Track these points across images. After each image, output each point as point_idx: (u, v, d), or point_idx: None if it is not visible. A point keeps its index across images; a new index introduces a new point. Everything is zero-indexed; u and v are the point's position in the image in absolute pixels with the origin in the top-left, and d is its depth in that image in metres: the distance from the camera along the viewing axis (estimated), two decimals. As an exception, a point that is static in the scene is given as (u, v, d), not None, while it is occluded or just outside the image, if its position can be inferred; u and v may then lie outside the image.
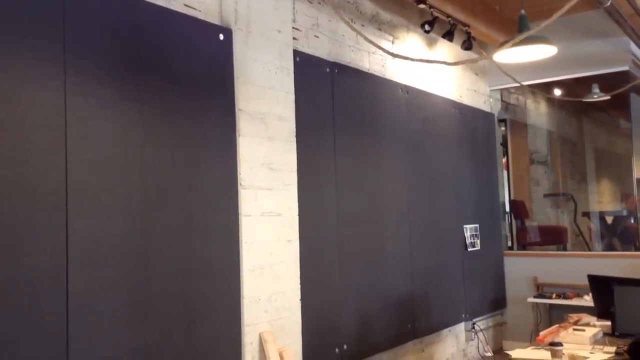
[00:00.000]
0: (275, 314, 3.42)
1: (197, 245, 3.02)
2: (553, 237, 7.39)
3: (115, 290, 2.63)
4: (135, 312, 2.70)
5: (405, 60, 4.99)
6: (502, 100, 7.07)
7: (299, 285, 3.62)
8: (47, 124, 2.44)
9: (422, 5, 4.86)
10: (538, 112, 8.50)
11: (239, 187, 3.27)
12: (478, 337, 5.92)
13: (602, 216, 8.20)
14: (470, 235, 5.77)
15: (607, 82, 6.40)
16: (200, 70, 3.13)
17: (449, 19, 5.13)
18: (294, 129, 3.67)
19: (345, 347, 4.04)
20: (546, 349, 3.44)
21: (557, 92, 7.31)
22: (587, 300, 5.40)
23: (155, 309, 2.79)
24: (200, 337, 2.98)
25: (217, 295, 3.09)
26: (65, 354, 2.42)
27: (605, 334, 3.80)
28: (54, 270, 2.41)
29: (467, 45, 5.45)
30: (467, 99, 6.13)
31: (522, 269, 6.35)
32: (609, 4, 4.58)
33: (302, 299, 3.64)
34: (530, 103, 8.13)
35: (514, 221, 7.07)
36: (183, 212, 2.96)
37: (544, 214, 8.25)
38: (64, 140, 2.49)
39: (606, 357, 3.33)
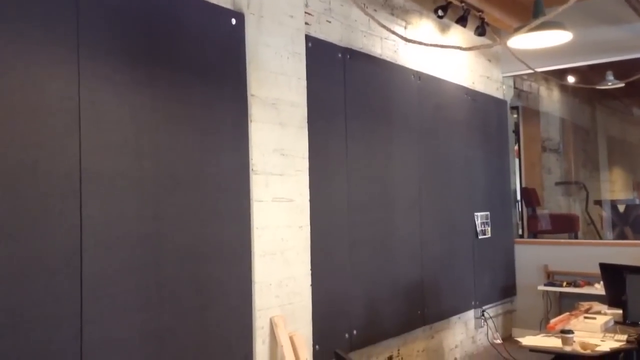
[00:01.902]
0: (286, 299, 3.44)
1: (209, 230, 3.03)
2: (564, 225, 7.36)
3: (129, 274, 2.65)
4: (148, 296, 2.72)
5: (417, 47, 4.95)
6: (514, 87, 7.01)
7: (310, 271, 3.63)
8: (61, 108, 2.45)
9: (435, -10, 4.82)
10: (551, 100, 8.43)
11: (251, 172, 3.27)
12: (487, 325, 5.92)
13: (614, 205, 8.15)
14: (481, 223, 5.76)
15: (621, 69, 6.32)
16: (212, 55, 3.13)
17: (463, 4, 5.08)
18: (306, 115, 3.67)
19: (355, 332, 4.06)
20: (557, 337, 3.44)
21: (571, 79, 7.24)
22: (598, 288, 5.37)
23: (167, 292, 2.81)
24: (212, 321, 3.01)
25: (228, 279, 3.11)
26: (79, 336, 2.45)
27: (616, 322, 3.79)
28: (68, 254, 2.43)
29: (481, 31, 5.39)
30: (480, 86, 6.08)
31: (532, 257, 6.33)
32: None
33: (313, 285, 3.65)
34: (543, 90, 8.06)
35: (525, 209, 7.05)
36: (195, 197, 2.97)
37: (555, 202, 8.21)
38: (78, 124, 2.50)
39: (617, 345, 3.33)
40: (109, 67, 2.64)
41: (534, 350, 3.47)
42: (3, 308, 2.23)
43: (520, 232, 6.86)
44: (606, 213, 8.10)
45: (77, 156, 2.49)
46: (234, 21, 3.25)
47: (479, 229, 5.71)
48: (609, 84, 6.60)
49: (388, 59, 4.69)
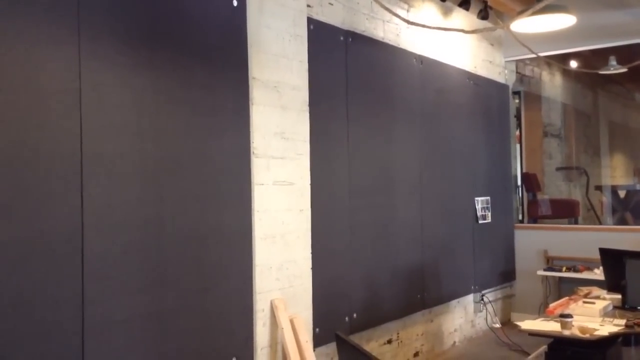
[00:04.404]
0: (286, 282, 3.45)
1: (210, 213, 3.03)
2: (564, 211, 7.36)
3: (130, 256, 2.65)
4: (149, 278, 2.73)
5: (420, 30, 4.92)
6: (517, 72, 6.97)
7: (310, 254, 3.64)
8: (62, 90, 2.44)
9: (438, -27, 4.77)
10: (553, 84, 8.39)
11: (252, 155, 3.26)
12: (486, 309, 5.95)
13: (614, 190, 8.15)
14: (481, 208, 5.76)
15: (624, 54, 6.29)
16: (213, 37, 3.10)
17: (466, -13, 5.04)
18: (307, 98, 3.65)
19: (355, 315, 4.08)
20: (556, 321, 3.46)
21: (573, 64, 7.19)
22: (597, 273, 5.39)
23: (169, 275, 2.82)
24: (213, 303, 3.02)
25: (229, 262, 3.12)
26: (80, 318, 2.46)
27: (615, 307, 3.81)
28: (70, 236, 2.44)
29: (484, 14, 5.35)
30: (482, 70, 6.05)
31: (532, 242, 6.34)
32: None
33: (313, 268, 3.66)
34: (545, 75, 8.02)
35: (525, 194, 7.05)
36: (196, 179, 2.97)
37: (556, 187, 8.21)
38: (79, 106, 2.49)
39: (616, 330, 3.34)
40: (110, 48, 2.62)
41: (533, 334, 3.48)
42: (5, 289, 2.23)
43: (520, 217, 6.87)
44: (606, 198, 8.11)
45: (78, 138, 2.48)
46: (235, 3, 3.22)
47: (479, 213, 5.72)
48: (612, 69, 6.56)
49: (390, 43, 4.66)
